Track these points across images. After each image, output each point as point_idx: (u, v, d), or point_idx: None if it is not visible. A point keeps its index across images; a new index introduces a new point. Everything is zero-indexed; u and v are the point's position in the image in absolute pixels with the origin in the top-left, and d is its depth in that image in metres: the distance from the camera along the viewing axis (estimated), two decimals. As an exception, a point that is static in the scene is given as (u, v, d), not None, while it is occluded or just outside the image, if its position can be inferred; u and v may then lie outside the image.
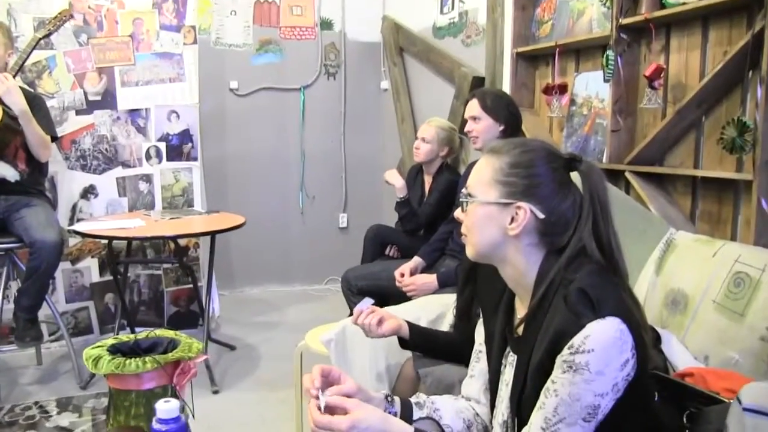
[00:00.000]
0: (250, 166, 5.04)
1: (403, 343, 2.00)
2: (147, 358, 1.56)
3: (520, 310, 1.41)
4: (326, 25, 5.11)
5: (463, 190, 1.39)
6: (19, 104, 3.24)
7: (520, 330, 1.36)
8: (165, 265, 4.14)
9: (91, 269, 4.01)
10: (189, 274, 3.77)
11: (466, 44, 4.16)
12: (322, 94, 5.16)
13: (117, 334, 3.71)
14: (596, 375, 1.18)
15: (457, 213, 1.43)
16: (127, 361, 1.55)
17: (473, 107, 2.82)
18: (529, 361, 1.29)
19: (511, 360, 1.41)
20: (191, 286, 3.99)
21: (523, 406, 1.31)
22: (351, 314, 2.07)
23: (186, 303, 4.17)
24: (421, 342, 2.00)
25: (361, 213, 5.20)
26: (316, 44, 5.10)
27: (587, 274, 1.26)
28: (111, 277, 3.94)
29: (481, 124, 2.80)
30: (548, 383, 1.23)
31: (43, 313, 3.41)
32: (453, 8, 4.30)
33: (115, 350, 1.65)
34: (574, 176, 1.36)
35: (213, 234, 3.47)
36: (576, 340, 1.19)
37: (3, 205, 3.36)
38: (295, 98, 5.11)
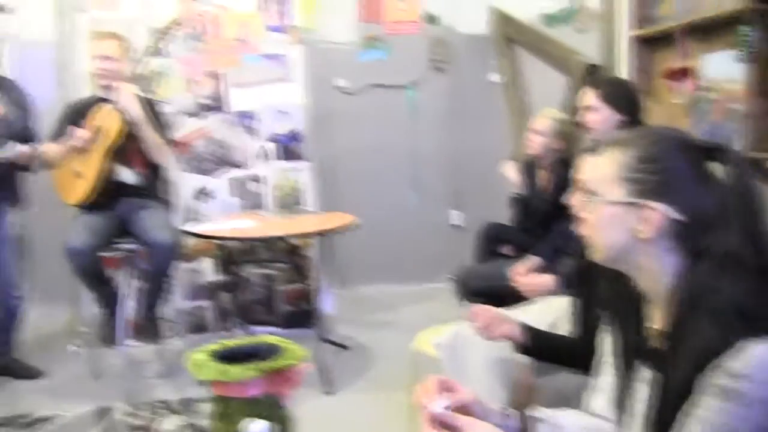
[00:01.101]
0: (359, 163, 4.99)
1: (519, 348, 1.86)
2: (250, 365, 1.51)
3: (655, 320, 1.23)
4: (432, 19, 4.97)
5: (581, 185, 1.23)
6: (136, 111, 3.34)
7: (658, 343, 1.19)
8: (278, 265, 4.15)
9: (207, 269, 4.09)
10: (303, 273, 3.77)
11: (579, 31, 3.94)
12: (430, 89, 5.04)
13: (232, 333, 3.81)
14: (752, 404, 1.00)
15: (576, 205, 1.27)
16: (230, 368, 1.50)
17: (589, 97, 2.64)
18: (669, 378, 1.12)
19: (645, 375, 1.23)
20: (304, 285, 4.00)
21: (661, 428, 1.14)
22: (465, 314, 1.97)
23: (299, 302, 4.17)
24: (538, 347, 1.85)
25: (474, 210, 5.01)
26: (423, 39, 4.97)
27: (738, 283, 1.07)
28: (226, 277, 4.04)
29: (598, 115, 2.62)
30: (692, 407, 1.06)
31: (163, 311, 3.50)
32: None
33: (219, 355, 1.60)
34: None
35: (324, 233, 3.43)
36: (730, 364, 1.01)
37: (124, 207, 3.49)
38: (402, 94, 5.02)
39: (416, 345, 2.60)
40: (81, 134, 3.38)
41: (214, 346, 1.62)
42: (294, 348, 1.55)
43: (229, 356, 1.59)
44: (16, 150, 3.33)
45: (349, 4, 4.84)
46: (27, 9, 4.54)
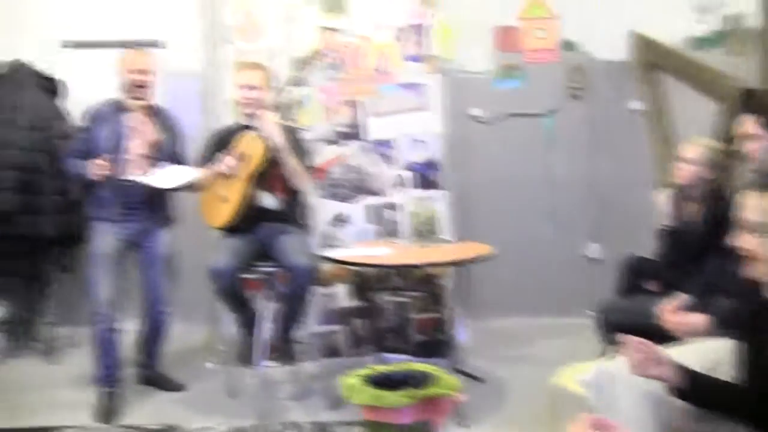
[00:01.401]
0: (495, 193, 4.96)
1: (675, 391, 1.77)
2: (403, 392, 1.53)
3: None
4: (570, 46, 4.92)
5: (753, 226, 1.17)
6: (278, 138, 3.48)
7: None
8: (411, 293, 4.16)
9: (341, 294, 4.17)
10: (437, 302, 3.77)
11: (732, 53, 3.78)
12: (568, 117, 4.95)
13: (365, 360, 3.87)
14: None
15: (747, 247, 1.21)
16: (384, 394, 1.53)
17: (748, 124, 2.53)
18: None
19: None
20: (438, 314, 4.00)
21: None
22: (607, 351, 1.90)
23: (433, 331, 4.17)
24: (698, 391, 1.74)
25: (613, 242, 4.86)
26: (561, 66, 4.92)
27: None
28: (360, 303, 4.11)
29: (759, 143, 2.50)
30: None
31: (298, 333, 3.60)
32: (714, 15, 3.94)
33: (370, 380, 1.64)
34: None
35: (461, 263, 3.43)
36: None
37: (264, 232, 3.61)
38: (539, 123, 4.96)
39: (557, 381, 2.52)
40: (227, 160, 3.56)
41: (366, 371, 1.65)
42: (447, 377, 1.56)
43: (382, 382, 1.62)
44: (172, 173, 3.55)
45: (486, 34, 4.89)
46: (176, 42, 4.87)
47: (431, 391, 1.52)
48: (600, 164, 4.97)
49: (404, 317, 4.19)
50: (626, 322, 2.94)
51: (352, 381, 1.59)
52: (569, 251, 5.03)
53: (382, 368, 1.68)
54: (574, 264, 5.02)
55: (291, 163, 3.56)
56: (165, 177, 3.58)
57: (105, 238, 3.60)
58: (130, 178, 3.56)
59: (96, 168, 3.49)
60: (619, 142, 4.96)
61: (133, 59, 3.65)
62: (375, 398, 1.50)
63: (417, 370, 1.65)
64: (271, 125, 3.52)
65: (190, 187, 3.74)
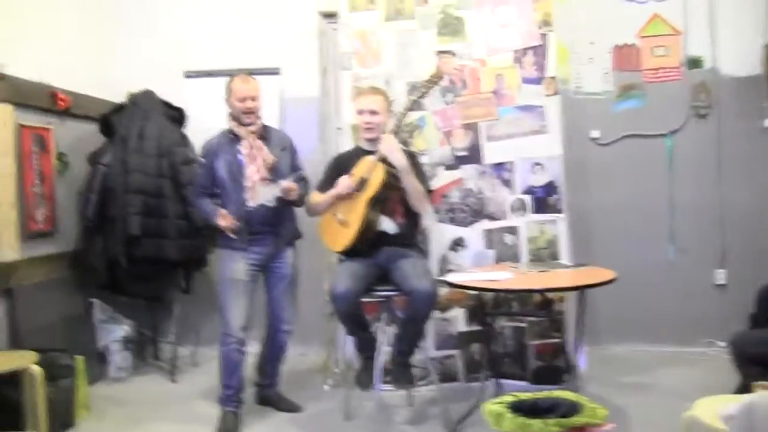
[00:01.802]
0: (614, 217, 4.88)
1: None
2: (551, 421, 1.55)
3: None
4: (694, 63, 4.79)
5: None
6: (401, 161, 3.56)
7: None
8: (530, 318, 4.14)
9: (458, 319, 4.19)
10: (557, 328, 3.74)
11: None
12: (691, 137, 4.82)
13: (483, 385, 3.88)
14: None
15: None
16: (530, 422, 1.55)
17: None
18: None
19: None
20: (556, 340, 3.97)
21: None
22: (743, 384, 1.85)
23: (550, 357, 4.13)
24: None
25: (744, 269, 4.68)
26: (683, 85, 4.81)
27: None
28: (477, 327, 4.11)
29: None
30: None
31: (415, 358, 3.62)
32: None
33: (515, 408, 1.66)
34: None
35: (583, 288, 3.41)
36: None
37: (384, 255, 3.66)
38: (661, 144, 4.85)
39: (694, 414, 2.46)
40: (346, 184, 3.65)
41: (510, 398, 1.69)
42: (594, 406, 1.58)
43: (527, 409, 1.65)
44: (282, 185, 3.64)
45: (605, 54, 4.86)
46: (294, 69, 5.07)
47: (580, 420, 1.53)
48: (727, 186, 4.81)
49: (522, 342, 4.17)
50: (763, 353, 2.86)
51: (497, 408, 1.62)
52: (692, 277, 4.87)
53: (527, 395, 1.70)
54: (698, 291, 4.85)
55: (412, 185, 3.61)
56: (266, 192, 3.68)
57: (235, 264, 3.75)
58: (253, 204, 3.69)
59: (222, 221, 3.66)
60: (749, 163, 4.79)
61: (241, 88, 3.75)
62: (522, 426, 1.53)
63: (564, 399, 1.66)
64: (393, 147, 3.58)
65: (310, 211, 3.87)
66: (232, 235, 3.70)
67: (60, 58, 4.53)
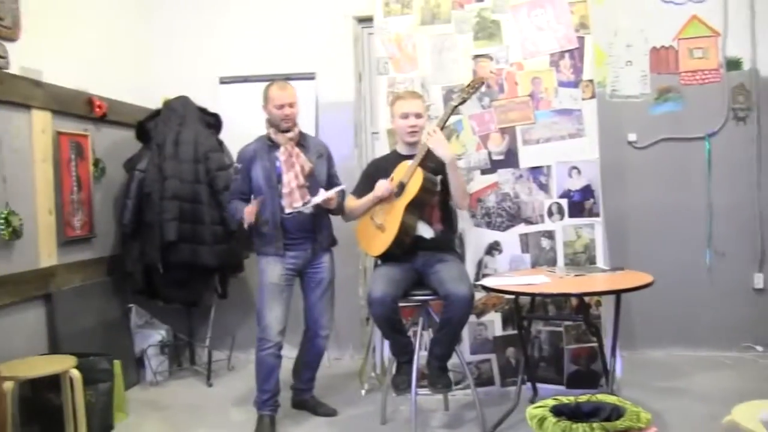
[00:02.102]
0: (650, 220, 4.89)
1: None
2: (594, 424, 1.59)
3: None
4: (733, 64, 4.78)
5: None
6: (448, 154, 3.62)
7: None
8: (566, 323, 4.16)
9: (495, 323, 4.22)
10: (594, 332, 3.77)
11: None
12: (730, 140, 4.81)
13: (519, 389, 3.91)
14: None
15: None
16: (574, 425, 1.59)
17: None
18: None
19: None
20: (592, 344, 3.98)
21: None
22: None
23: (586, 362, 4.14)
24: None
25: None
26: (722, 87, 4.79)
27: None
28: (513, 332, 4.14)
29: None
30: None
31: (451, 362, 3.65)
32: None
33: (557, 411, 1.71)
34: None
35: (620, 292, 3.44)
36: None
37: (420, 260, 3.70)
38: (698, 147, 4.84)
39: (734, 419, 2.48)
40: (385, 187, 3.68)
41: (553, 402, 1.73)
42: (637, 410, 1.62)
43: (568, 413, 1.70)
44: (323, 195, 3.73)
45: (642, 57, 4.87)
46: (328, 74, 5.15)
47: (624, 424, 1.57)
48: (766, 189, 4.81)
49: (557, 347, 4.19)
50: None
51: (540, 412, 1.67)
52: (730, 281, 4.86)
53: (569, 399, 1.75)
54: (737, 295, 4.84)
55: (457, 180, 3.66)
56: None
57: (273, 268, 3.81)
58: (291, 211, 3.75)
59: (248, 215, 3.71)
60: (790, 165, 4.77)
61: (279, 95, 3.81)
62: (566, 430, 1.58)
63: (606, 402, 1.70)
64: (439, 142, 3.60)
65: (347, 216, 3.93)
66: (263, 229, 3.76)
67: (96, 65, 4.63)
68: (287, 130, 3.83)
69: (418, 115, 3.78)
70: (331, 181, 3.95)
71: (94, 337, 4.31)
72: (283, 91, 3.83)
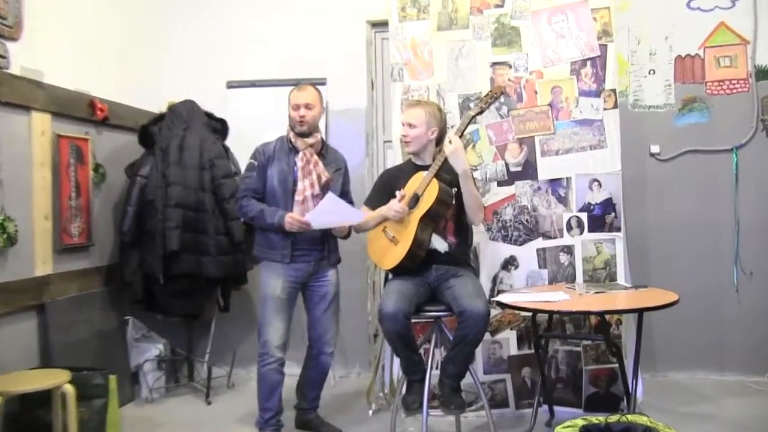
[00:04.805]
0: (674, 236, 4.92)
1: None
2: (627, 445, 1.61)
3: None
4: (763, 73, 4.82)
5: None
6: (463, 164, 3.62)
7: None
8: (585, 342, 4.19)
9: (510, 341, 4.25)
10: (614, 353, 3.77)
11: None
12: (759, 153, 4.83)
13: (535, 412, 3.92)
14: None
15: None
16: (603, 445, 1.61)
17: None
18: None
19: None
20: (612, 365, 3.99)
21: None
22: None
23: (606, 384, 4.16)
24: None
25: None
26: (751, 97, 4.83)
27: None
28: (529, 351, 4.16)
29: None
30: None
31: (464, 382, 3.65)
32: None
33: (586, 431, 1.73)
34: None
35: (643, 311, 3.46)
36: None
37: (434, 275, 3.72)
38: (725, 160, 4.87)
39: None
40: (398, 209, 3.69)
41: (581, 422, 1.75)
42: (671, 431, 1.64)
43: (598, 433, 1.72)
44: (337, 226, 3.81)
45: (666, 66, 4.91)
46: (339, 80, 5.19)
47: (656, 444, 1.60)
48: (798, 204, 4.83)
49: (576, 367, 4.21)
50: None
51: (567, 431, 1.69)
52: (758, 301, 4.87)
53: (599, 419, 1.77)
54: (765, 316, 4.85)
55: (471, 193, 3.66)
56: (326, 215, 3.75)
57: (276, 280, 3.85)
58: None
59: (294, 223, 3.72)
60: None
61: (295, 95, 3.88)
62: (593, 449, 1.60)
63: (639, 423, 1.72)
64: (457, 150, 3.60)
65: (356, 228, 3.94)
66: (295, 229, 3.75)
67: (99, 66, 4.68)
68: (304, 134, 3.86)
69: (411, 125, 3.79)
70: (343, 199, 3.94)
71: (88, 351, 4.33)
72: (300, 92, 3.89)
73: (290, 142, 3.90)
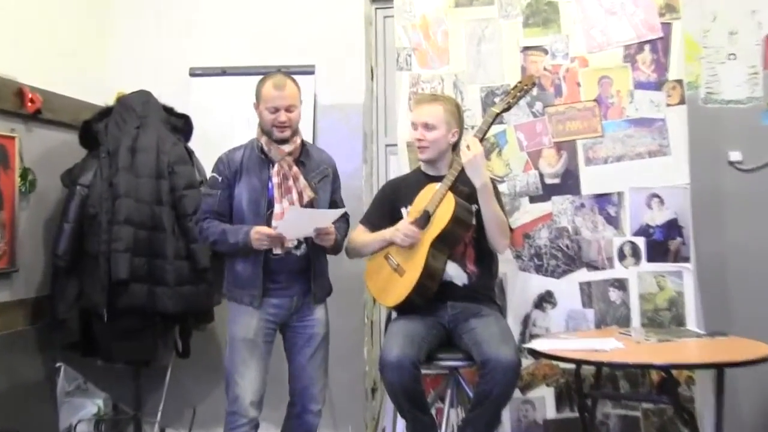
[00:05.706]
0: (761, 269, 4.73)
1: None
2: None
3: None
4: None
5: None
6: (482, 176, 3.57)
7: None
8: (645, 405, 4.09)
9: (546, 401, 4.19)
10: (686, 421, 3.67)
11: None
12: None
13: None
14: None
15: None
16: None
17: None
18: None
19: None
20: (680, 436, 3.91)
21: None
22: None
23: (672, 459, 4.07)
24: None
25: None
26: None
27: None
28: (571, 414, 4.09)
29: None
30: None
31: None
32: None
33: None
34: None
35: (724, 367, 3.35)
36: None
37: (450, 313, 3.70)
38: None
39: None
40: (407, 231, 3.62)
41: None
42: None
43: None
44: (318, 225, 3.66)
45: (751, 48, 4.78)
46: (331, 68, 5.15)
47: None
48: None
49: (633, 438, 4.12)
50: None
51: None
52: None
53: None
54: None
55: (493, 212, 3.62)
56: (297, 226, 3.67)
57: (248, 318, 3.77)
58: (278, 250, 3.70)
59: (262, 238, 3.61)
60: None
61: (273, 95, 3.73)
62: None
63: None
64: (476, 158, 3.56)
65: (350, 252, 3.89)
66: (277, 251, 3.69)
67: (29, 47, 4.62)
68: (282, 141, 3.77)
69: (428, 126, 3.75)
70: (333, 208, 3.88)
71: (5, 407, 4.23)
72: (279, 91, 3.75)
73: (262, 150, 3.80)
